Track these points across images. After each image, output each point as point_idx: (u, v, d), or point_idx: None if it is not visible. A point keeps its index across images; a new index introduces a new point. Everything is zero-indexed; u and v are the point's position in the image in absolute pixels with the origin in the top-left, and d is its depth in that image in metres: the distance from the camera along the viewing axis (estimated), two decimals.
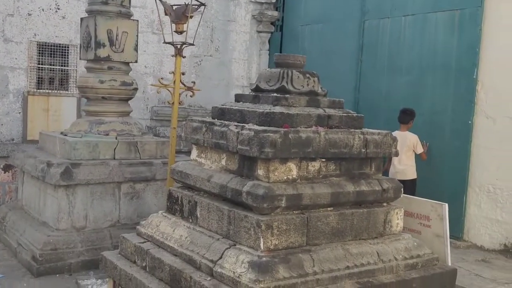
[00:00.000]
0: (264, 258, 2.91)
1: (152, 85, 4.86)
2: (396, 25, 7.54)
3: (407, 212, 3.81)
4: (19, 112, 7.43)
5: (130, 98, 5.93)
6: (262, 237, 2.97)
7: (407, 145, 6.46)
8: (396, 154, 3.60)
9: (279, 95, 3.42)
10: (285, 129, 3.12)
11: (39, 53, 7.53)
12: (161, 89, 4.86)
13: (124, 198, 5.41)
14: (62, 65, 7.70)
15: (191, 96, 5.21)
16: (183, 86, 5.00)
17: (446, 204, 3.73)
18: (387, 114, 7.26)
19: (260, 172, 3.13)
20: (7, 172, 7.34)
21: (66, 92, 7.76)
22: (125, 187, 5.41)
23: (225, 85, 9.32)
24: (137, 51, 5.87)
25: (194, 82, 5.10)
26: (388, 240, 3.44)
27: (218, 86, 9.24)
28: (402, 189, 3.58)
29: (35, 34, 7.46)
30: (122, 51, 5.73)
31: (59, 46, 7.64)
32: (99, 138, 5.49)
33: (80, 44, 5.91)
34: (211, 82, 9.17)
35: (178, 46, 4.96)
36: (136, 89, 5.92)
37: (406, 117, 6.64)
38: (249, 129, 3.18)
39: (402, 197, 3.63)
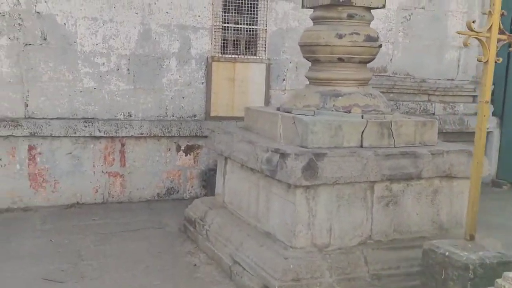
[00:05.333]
0: None
1: (458, 32, 3.08)
2: None
3: None
4: (202, 82, 6.11)
5: (372, 59, 4.21)
6: None
7: None
8: None
9: None
10: None
11: (224, 9, 6.11)
12: (467, 38, 3.03)
13: (378, 204, 3.75)
14: (249, 24, 6.22)
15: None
16: (501, 34, 3.10)
17: None
18: None
19: None
20: (188, 155, 6.10)
21: (254, 57, 6.29)
22: (380, 189, 3.74)
23: (437, 46, 7.26)
24: None
25: None
26: None
27: (429, 47, 7.22)
28: None
29: None
30: None
31: (247, 0, 6.15)
32: (340, 117, 3.86)
33: None
34: (421, 43, 7.17)
35: None
36: (380, 46, 4.18)
37: None
38: None
39: None
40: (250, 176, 4.10)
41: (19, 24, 5.27)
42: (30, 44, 5.35)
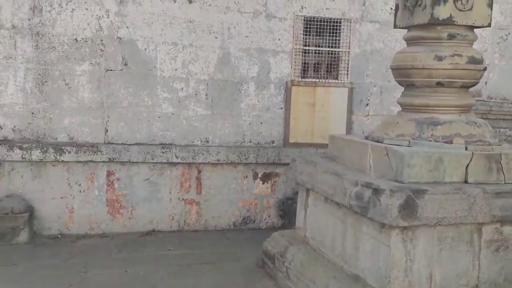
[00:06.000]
0: None
1: None
2: None
3: None
4: (281, 108, 5.86)
5: (476, 84, 3.77)
6: None
7: None
8: None
9: None
10: None
11: (305, 31, 5.87)
12: None
13: (486, 249, 3.27)
14: (331, 47, 5.92)
15: None
16: None
17: None
18: None
19: None
20: (265, 183, 5.84)
21: (335, 81, 5.97)
22: (489, 231, 3.27)
23: None
24: (491, 9, 3.67)
25: None
26: None
27: None
28: None
29: (302, 7, 5.80)
30: (471, 8, 3.58)
31: (329, 22, 5.87)
32: (441, 149, 3.44)
33: (396, 5, 3.94)
34: None
35: None
36: (485, 68, 3.73)
37: None
38: None
39: None
40: (336, 211, 3.75)
41: (101, 49, 5.30)
42: (111, 70, 5.36)
